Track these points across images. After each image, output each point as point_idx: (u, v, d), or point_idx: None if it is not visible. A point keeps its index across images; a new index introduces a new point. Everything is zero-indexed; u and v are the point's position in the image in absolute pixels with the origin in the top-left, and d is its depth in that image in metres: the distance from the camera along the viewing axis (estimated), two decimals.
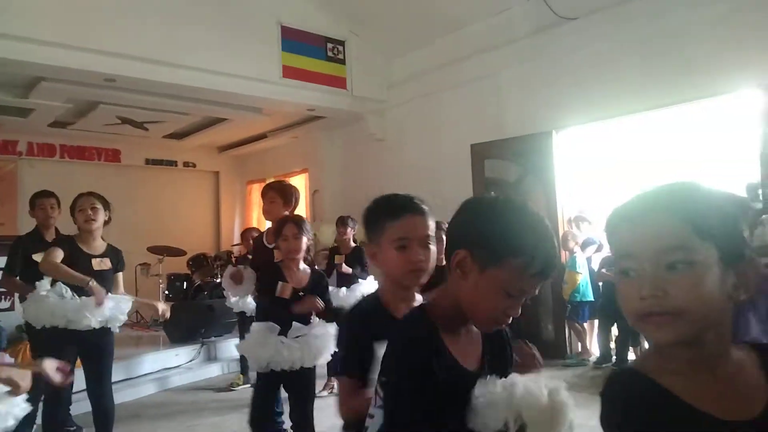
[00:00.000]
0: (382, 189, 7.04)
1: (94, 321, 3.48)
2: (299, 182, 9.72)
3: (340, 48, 7.76)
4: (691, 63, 5.44)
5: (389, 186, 7.15)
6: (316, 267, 3.59)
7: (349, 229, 5.72)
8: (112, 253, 3.72)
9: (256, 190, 10.51)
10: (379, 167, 8.46)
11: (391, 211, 1.59)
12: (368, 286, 5.53)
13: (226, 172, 11.34)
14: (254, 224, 9.65)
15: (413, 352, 1.16)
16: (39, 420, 3.88)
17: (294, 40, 7.26)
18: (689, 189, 0.92)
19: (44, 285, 3.56)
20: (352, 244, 5.71)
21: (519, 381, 1.21)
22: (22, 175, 8.82)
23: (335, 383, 5.37)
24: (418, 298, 1.64)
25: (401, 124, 8.27)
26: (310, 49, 7.42)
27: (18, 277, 4.16)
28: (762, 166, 5.33)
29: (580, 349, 6.42)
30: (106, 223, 3.70)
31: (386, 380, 1.18)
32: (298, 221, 3.37)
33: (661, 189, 0.92)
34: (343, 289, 5.42)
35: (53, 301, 3.44)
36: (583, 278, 6.23)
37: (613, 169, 7.38)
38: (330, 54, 7.65)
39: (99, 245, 3.68)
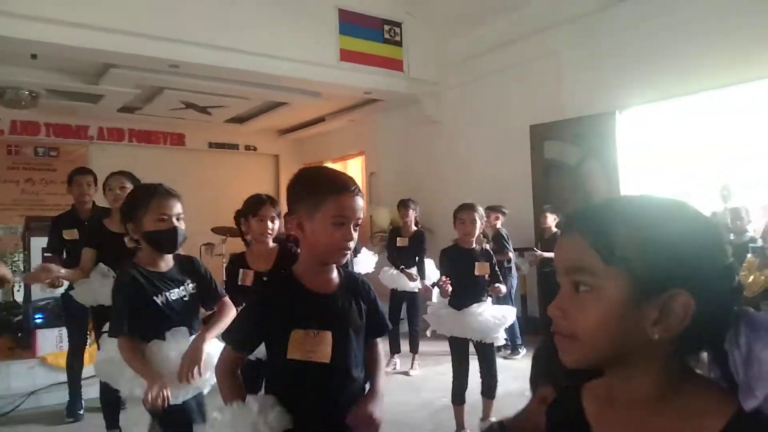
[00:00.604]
0: (439, 171, 7.13)
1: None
2: (356, 165, 9.80)
3: (397, 30, 7.72)
4: (761, 38, 5.15)
5: (446, 168, 7.25)
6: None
7: (411, 212, 5.72)
8: None
9: None
10: (436, 150, 8.42)
11: (335, 186, 1.54)
12: (429, 266, 5.56)
13: (286, 154, 11.53)
14: None
15: None
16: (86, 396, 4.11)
17: (351, 23, 7.27)
18: (616, 206, 0.82)
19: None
20: (413, 228, 5.72)
21: None
22: (93, 159, 9.22)
23: (397, 360, 5.47)
24: (335, 273, 1.65)
25: (458, 106, 8.19)
26: (367, 32, 7.42)
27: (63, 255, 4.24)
28: None
29: None
30: None
31: None
32: (274, 202, 3.23)
33: (597, 203, 0.85)
34: (395, 270, 5.48)
35: (97, 281, 3.53)
36: None
37: (677, 152, 7.11)
38: (387, 36, 7.63)
39: None
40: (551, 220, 6.36)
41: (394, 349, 5.51)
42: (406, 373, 5.30)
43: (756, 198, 5.97)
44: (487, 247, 3.94)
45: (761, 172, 6.50)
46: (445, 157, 8.26)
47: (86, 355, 4.37)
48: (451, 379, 3.65)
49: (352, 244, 1.57)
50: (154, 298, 2.20)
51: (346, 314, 1.60)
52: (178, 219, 2.24)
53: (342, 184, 1.56)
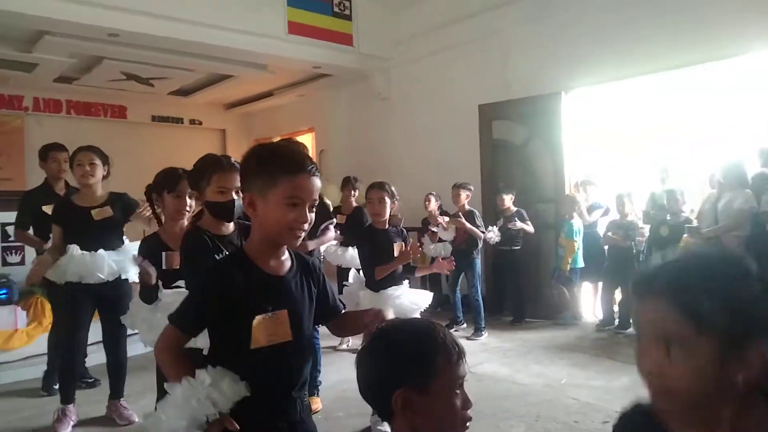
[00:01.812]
0: (389, 149, 7.08)
1: (105, 274, 3.60)
2: (307, 141, 9.66)
3: (347, 3, 7.58)
4: (706, 22, 5.29)
5: (396, 146, 7.23)
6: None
7: (352, 190, 5.70)
8: (116, 199, 3.76)
9: None
10: (387, 127, 8.38)
11: (291, 166, 1.47)
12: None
13: (233, 130, 11.27)
14: None
15: None
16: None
17: None
18: (692, 267, 0.87)
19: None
20: (354, 205, 5.70)
21: None
22: (29, 131, 8.79)
23: (350, 338, 5.46)
24: (286, 255, 1.60)
25: (408, 83, 8.15)
26: (316, 5, 7.26)
27: (31, 231, 4.21)
28: None
29: (576, 311, 6.46)
30: (105, 177, 3.74)
31: None
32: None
33: (671, 263, 0.90)
34: (341, 248, 5.47)
35: (66, 257, 3.56)
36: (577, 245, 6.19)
37: (619, 133, 7.30)
38: (336, 10, 7.48)
39: (99, 196, 3.72)
40: (508, 201, 6.43)
41: None
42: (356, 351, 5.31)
43: (693, 180, 6.20)
44: (402, 227, 3.92)
45: (699, 156, 6.75)
46: (395, 134, 8.24)
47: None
48: None
49: (306, 226, 1.50)
50: (216, 257, 2.26)
51: (299, 296, 1.58)
52: (237, 192, 2.34)
53: (299, 164, 1.48)
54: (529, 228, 6.28)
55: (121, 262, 3.68)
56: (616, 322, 5.94)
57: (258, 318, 1.46)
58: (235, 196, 2.33)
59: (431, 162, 7.50)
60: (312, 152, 9.25)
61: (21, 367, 4.66)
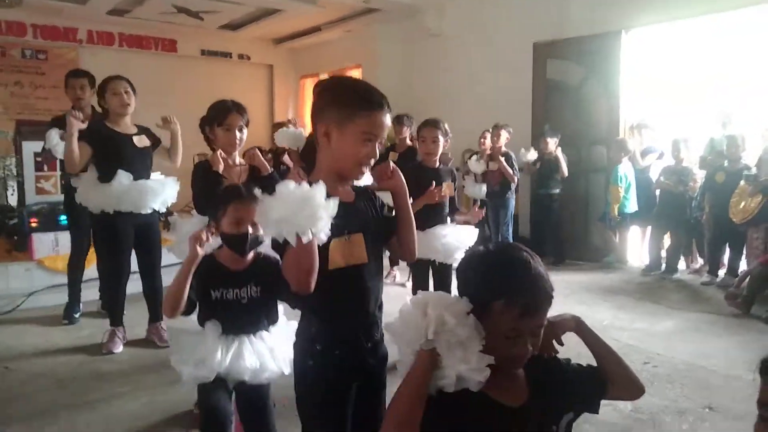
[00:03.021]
0: (438, 87, 7.00)
1: (156, 204, 3.71)
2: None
3: None
4: None
5: (445, 84, 7.12)
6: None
7: (405, 128, 5.66)
8: (145, 131, 3.82)
9: (309, 85, 10.45)
10: (436, 65, 8.23)
11: (368, 102, 1.51)
12: None
13: (280, 65, 11.23)
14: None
15: None
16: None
17: None
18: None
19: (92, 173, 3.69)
20: (408, 143, 5.68)
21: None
22: (84, 64, 8.96)
23: (396, 272, 5.57)
24: (348, 186, 1.62)
25: (461, 20, 7.91)
26: None
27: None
28: None
29: (621, 255, 6.42)
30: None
31: None
32: (242, 109, 2.98)
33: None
34: None
35: (115, 186, 3.62)
36: (624, 190, 6.08)
37: (680, 76, 6.99)
38: None
39: (131, 126, 3.78)
40: (552, 144, 6.34)
41: (394, 261, 5.59)
42: (403, 285, 5.42)
43: (754, 127, 5.94)
44: (452, 166, 3.87)
45: (762, 102, 6.43)
46: (444, 72, 8.08)
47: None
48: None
49: (372, 162, 1.55)
50: (211, 291, 2.19)
51: (368, 219, 1.63)
52: (254, 225, 2.16)
53: (378, 101, 1.52)
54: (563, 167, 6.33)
55: (164, 193, 3.76)
56: (663, 267, 5.88)
57: (334, 240, 1.48)
58: (250, 229, 2.18)
59: (480, 101, 7.36)
60: None
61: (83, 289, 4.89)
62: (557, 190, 6.48)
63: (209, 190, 2.69)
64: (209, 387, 2.17)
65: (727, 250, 5.59)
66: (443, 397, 1.21)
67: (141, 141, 3.74)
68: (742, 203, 5.11)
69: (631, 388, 1.39)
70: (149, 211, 3.71)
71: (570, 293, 5.22)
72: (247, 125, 2.98)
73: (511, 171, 6.05)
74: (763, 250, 4.96)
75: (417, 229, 3.56)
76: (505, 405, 1.23)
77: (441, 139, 3.57)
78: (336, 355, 1.55)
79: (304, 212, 1.30)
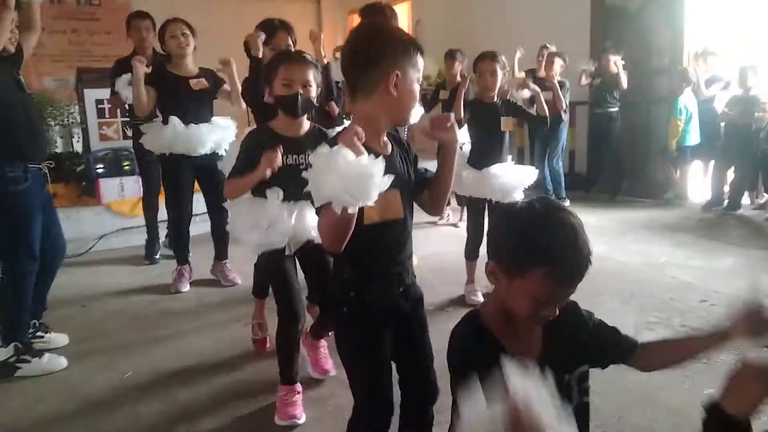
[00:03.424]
0: (490, 19, 6.75)
1: (206, 147, 3.77)
2: (401, 12, 9.35)
3: None
4: None
5: (497, 15, 6.86)
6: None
7: (457, 63, 5.51)
8: (206, 74, 3.85)
9: (358, 21, 10.26)
10: None
11: (418, 46, 1.54)
12: None
13: (328, 2, 11.06)
14: None
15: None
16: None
17: None
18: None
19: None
20: (458, 79, 5.55)
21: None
22: (135, 8, 9.05)
23: (449, 212, 5.58)
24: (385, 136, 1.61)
25: None
26: None
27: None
28: None
29: (682, 191, 6.23)
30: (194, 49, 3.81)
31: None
32: (290, 29, 3.01)
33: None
34: None
35: (169, 129, 3.72)
36: (685, 122, 5.82)
37: (747, 8, 6.51)
38: None
39: (192, 69, 3.82)
40: (613, 63, 6.08)
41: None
42: (455, 225, 5.44)
43: None
44: (515, 99, 3.73)
45: None
46: (497, 3, 7.78)
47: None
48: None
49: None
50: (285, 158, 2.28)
51: (404, 175, 1.63)
52: (305, 86, 2.27)
53: (419, 43, 1.56)
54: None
55: (218, 134, 3.82)
56: (725, 203, 5.68)
57: None
58: (301, 91, 2.25)
59: (536, 30, 7.09)
60: (408, 23, 8.97)
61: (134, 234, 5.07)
62: (615, 108, 6.27)
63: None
64: (272, 256, 2.35)
65: None
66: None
67: (198, 84, 3.78)
68: None
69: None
70: (204, 153, 3.77)
71: (626, 230, 5.14)
72: (295, 45, 2.92)
73: (563, 99, 5.72)
74: None
75: (475, 167, 3.56)
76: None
77: (499, 72, 3.47)
78: (368, 301, 1.59)
79: (359, 188, 1.27)
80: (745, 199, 5.79)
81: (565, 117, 6.03)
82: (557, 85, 5.58)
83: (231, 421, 2.37)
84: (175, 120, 3.70)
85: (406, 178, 1.64)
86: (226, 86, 3.81)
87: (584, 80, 6.37)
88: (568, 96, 5.92)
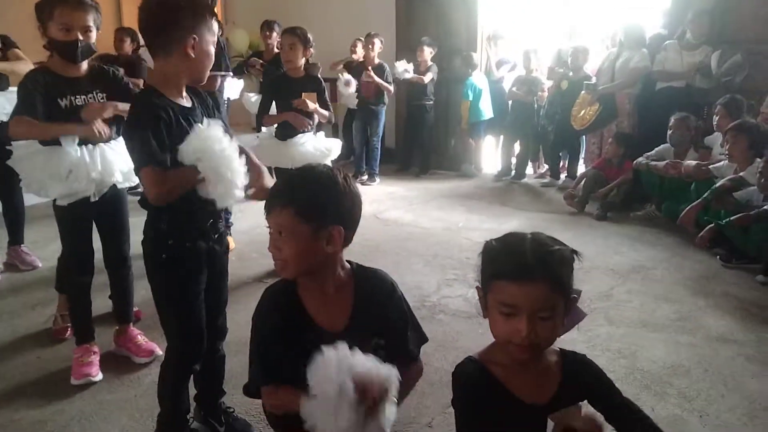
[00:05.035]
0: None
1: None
2: None
3: None
4: None
5: None
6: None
7: (274, 35, 5.44)
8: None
9: None
10: None
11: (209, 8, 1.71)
12: None
13: None
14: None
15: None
16: None
17: None
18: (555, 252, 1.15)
19: None
20: (276, 51, 5.48)
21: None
22: None
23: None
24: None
25: None
26: None
27: None
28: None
29: (478, 163, 6.84)
30: None
31: None
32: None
33: (533, 253, 1.14)
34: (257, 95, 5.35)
35: None
36: (474, 101, 6.39)
37: None
38: None
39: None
40: (428, 54, 6.40)
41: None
42: None
43: (595, 40, 6.41)
44: (318, 74, 3.84)
45: (603, 16, 6.90)
46: None
47: None
48: None
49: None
50: (59, 100, 2.21)
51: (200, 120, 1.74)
52: (85, 31, 2.18)
53: (212, 8, 1.72)
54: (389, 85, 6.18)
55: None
56: (513, 173, 6.36)
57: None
58: (80, 36, 2.18)
59: (348, 11, 7.25)
60: None
61: None
62: (430, 102, 6.56)
63: None
64: (70, 211, 2.30)
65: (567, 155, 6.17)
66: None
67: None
68: (582, 111, 5.59)
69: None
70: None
71: (429, 199, 5.56)
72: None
73: (385, 83, 6.03)
74: (598, 155, 5.53)
75: (279, 139, 3.61)
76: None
77: (300, 46, 3.51)
78: (187, 247, 1.73)
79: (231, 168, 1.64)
80: (530, 169, 6.54)
81: (387, 99, 6.24)
82: (372, 73, 5.78)
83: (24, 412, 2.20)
84: None
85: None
86: None
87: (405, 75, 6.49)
88: (390, 77, 6.13)
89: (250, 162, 1.75)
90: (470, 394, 1.19)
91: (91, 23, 2.20)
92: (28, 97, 2.18)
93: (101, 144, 2.31)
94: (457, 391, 1.22)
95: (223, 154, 1.62)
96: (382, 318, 1.44)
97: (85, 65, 2.30)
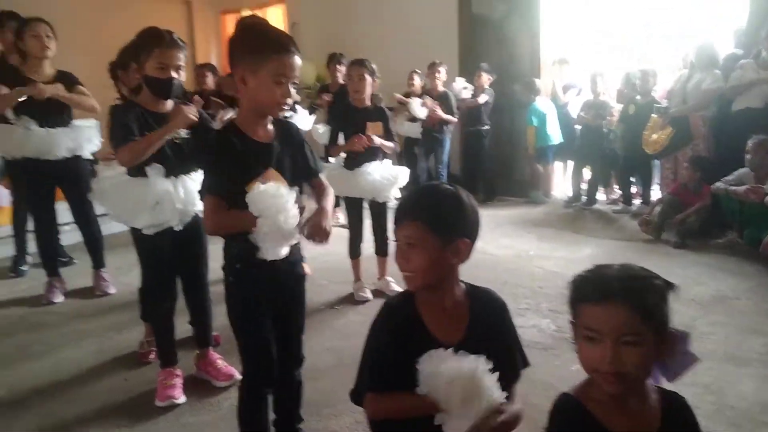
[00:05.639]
0: (366, 23, 6.88)
1: (62, 150, 3.57)
2: (276, 14, 9.30)
3: None
4: None
5: (372, 21, 6.98)
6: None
7: (342, 67, 5.58)
8: (62, 77, 3.63)
9: (231, 21, 10.04)
10: (360, 2, 8.08)
11: (277, 46, 1.68)
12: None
13: (199, 2, 10.71)
14: None
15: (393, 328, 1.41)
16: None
17: None
18: (642, 279, 1.14)
19: (9, 115, 3.51)
20: (341, 82, 5.56)
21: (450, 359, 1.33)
22: None
23: (339, 215, 5.48)
24: (270, 126, 1.83)
25: None
26: None
27: None
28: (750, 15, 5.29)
29: (546, 189, 6.74)
30: None
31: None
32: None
33: (617, 277, 1.14)
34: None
35: (21, 132, 3.50)
36: (540, 126, 6.32)
37: (597, 12, 7.19)
38: None
39: (48, 72, 3.60)
40: (485, 79, 6.42)
41: (336, 202, 5.59)
42: (345, 227, 5.46)
43: (664, 64, 6.26)
44: (383, 105, 3.90)
45: (672, 42, 6.75)
46: (371, 9, 7.97)
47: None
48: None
49: (290, 101, 1.74)
50: (146, 134, 2.31)
51: (283, 158, 1.82)
52: (177, 70, 2.31)
53: (284, 44, 1.68)
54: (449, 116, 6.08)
55: (77, 139, 3.66)
56: (584, 199, 6.23)
57: (252, 184, 1.71)
58: (174, 75, 2.31)
59: (408, 40, 7.35)
60: (283, 26, 8.93)
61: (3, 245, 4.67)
62: (486, 127, 6.57)
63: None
64: (152, 240, 2.41)
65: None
66: None
67: (54, 90, 3.52)
68: (654, 135, 5.44)
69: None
70: (62, 157, 3.58)
71: (495, 227, 5.49)
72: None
73: (449, 116, 5.97)
74: (673, 180, 5.35)
75: (347, 168, 3.70)
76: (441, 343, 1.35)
77: (367, 77, 3.60)
78: (252, 273, 1.79)
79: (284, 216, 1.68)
80: (601, 195, 6.39)
81: (451, 126, 6.25)
82: (437, 107, 5.80)
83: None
84: (27, 122, 3.49)
85: (287, 162, 1.83)
86: (83, 90, 3.66)
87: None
88: (454, 105, 6.12)
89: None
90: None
91: (183, 62, 2.34)
92: (124, 126, 2.29)
93: (182, 175, 2.44)
94: (553, 429, 1.20)
95: (284, 224, 1.69)
96: (495, 335, 1.45)
97: (170, 103, 2.43)
